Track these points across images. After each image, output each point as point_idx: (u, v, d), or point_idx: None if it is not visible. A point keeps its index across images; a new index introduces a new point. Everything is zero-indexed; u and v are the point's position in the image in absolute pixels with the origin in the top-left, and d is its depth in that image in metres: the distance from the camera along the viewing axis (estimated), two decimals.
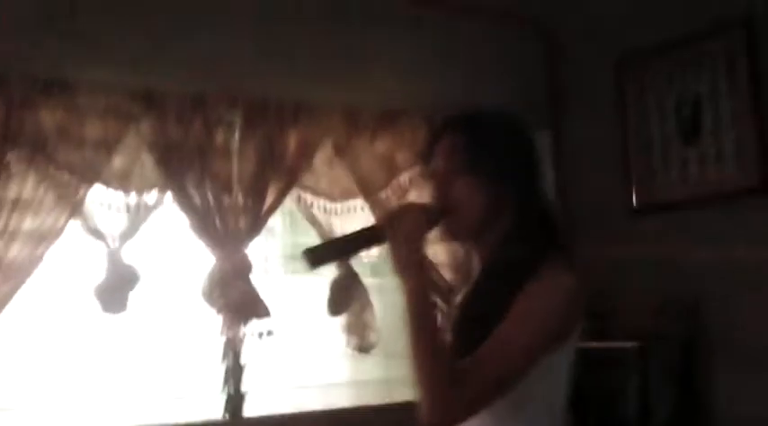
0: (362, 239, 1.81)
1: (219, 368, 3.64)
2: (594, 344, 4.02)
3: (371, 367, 3.99)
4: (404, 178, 4.04)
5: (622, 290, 4.14)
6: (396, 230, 1.74)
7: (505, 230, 1.80)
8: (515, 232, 1.79)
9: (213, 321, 3.59)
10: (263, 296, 3.60)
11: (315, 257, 1.77)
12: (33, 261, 3.17)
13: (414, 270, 1.73)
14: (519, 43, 4.54)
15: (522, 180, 1.83)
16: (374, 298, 3.92)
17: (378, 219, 1.74)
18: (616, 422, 4.00)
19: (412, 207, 1.84)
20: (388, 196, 3.99)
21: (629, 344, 3.88)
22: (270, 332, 3.61)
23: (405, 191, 4.03)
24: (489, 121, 1.88)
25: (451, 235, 1.86)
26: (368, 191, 3.94)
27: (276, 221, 3.85)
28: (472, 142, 1.81)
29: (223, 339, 3.63)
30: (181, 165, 3.50)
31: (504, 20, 4.44)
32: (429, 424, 1.66)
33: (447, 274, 4.04)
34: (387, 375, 4.05)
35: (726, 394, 3.75)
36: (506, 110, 1.93)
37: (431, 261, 3.77)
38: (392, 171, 4.02)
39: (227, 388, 3.64)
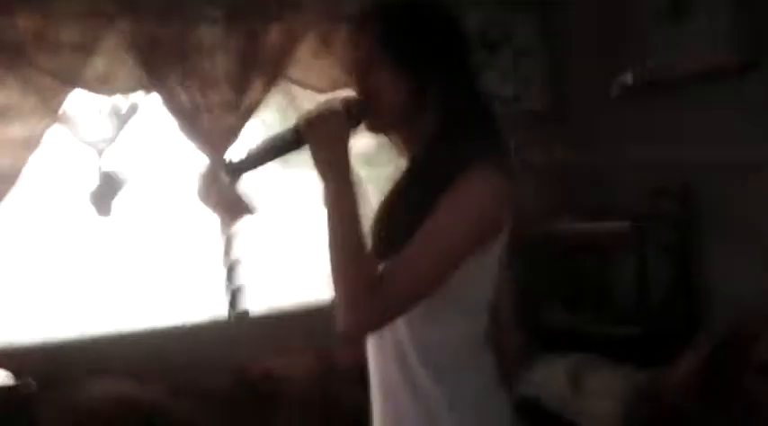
0: (283, 144, 1.70)
1: (220, 266, 3.68)
2: (590, 225, 4.05)
3: None
4: None
5: (616, 172, 4.14)
6: (316, 131, 1.65)
7: (432, 126, 1.70)
8: (441, 129, 1.69)
9: (210, 219, 3.60)
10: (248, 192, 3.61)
11: (234, 167, 1.72)
12: (19, 168, 3.16)
13: (336, 171, 1.64)
14: None
15: (445, 71, 1.72)
16: (370, 189, 3.90)
17: (298, 120, 1.65)
18: (612, 303, 4.05)
19: (332, 105, 1.71)
20: None
21: (624, 225, 3.89)
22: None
23: None
24: (410, 8, 1.76)
25: (373, 128, 1.75)
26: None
27: (270, 116, 3.81)
28: (389, 30, 1.71)
29: (222, 236, 3.66)
30: (163, 65, 3.45)
31: None
32: (343, 331, 1.59)
33: None
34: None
35: (719, 272, 3.76)
36: None
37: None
38: None
39: (229, 285, 3.68)
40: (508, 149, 1.73)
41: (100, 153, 3.34)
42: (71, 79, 3.27)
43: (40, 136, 3.23)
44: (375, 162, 4.18)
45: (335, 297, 1.60)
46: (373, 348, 1.77)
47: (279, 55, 3.72)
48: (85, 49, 3.31)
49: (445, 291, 1.63)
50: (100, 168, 3.32)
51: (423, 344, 1.68)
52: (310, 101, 3.81)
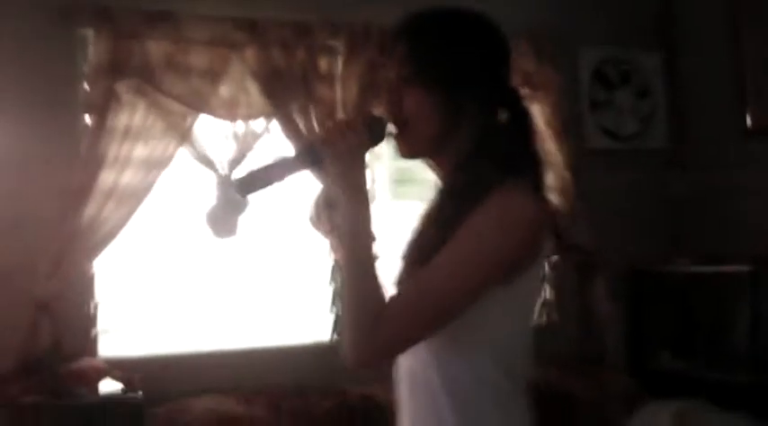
0: (298, 160, 1.61)
1: (328, 290, 3.74)
2: (706, 268, 3.96)
3: None
4: None
5: (736, 214, 4.04)
6: (333, 147, 1.55)
7: (465, 146, 1.60)
8: (475, 149, 1.59)
9: (321, 244, 3.67)
10: None
11: (249, 185, 1.61)
12: (145, 188, 3.29)
13: (355, 190, 1.55)
14: None
15: (481, 87, 1.61)
16: None
17: (316, 137, 1.53)
18: (726, 348, 3.94)
19: (353, 122, 1.61)
20: None
21: (742, 268, 3.79)
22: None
23: None
24: (436, 23, 1.66)
25: (405, 150, 1.63)
26: None
27: (382, 146, 3.85)
28: (417, 49, 1.61)
29: (331, 261, 3.72)
30: (285, 93, 3.55)
31: None
32: (350, 361, 1.50)
33: (553, 198, 3.99)
34: None
35: None
36: (467, 10, 1.67)
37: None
38: None
39: (333, 309, 3.74)
40: (543, 170, 1.63)
41: (223, 175, 3.44)
42: (198, 104, 3.40)
43: (167, 157, 3.35)
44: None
45: (345, 318, 1.52)
46: (402, 377, 1.65)
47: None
48: (212, 76, 3.44)
49: (470, 322, 1.51)
50: (222, 190, 3.42)
51: (449, 378, 1.56)
52: None
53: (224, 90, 3.49)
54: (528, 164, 1.61)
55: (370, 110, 3.56)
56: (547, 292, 4.13)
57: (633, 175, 4.22)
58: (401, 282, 1.61)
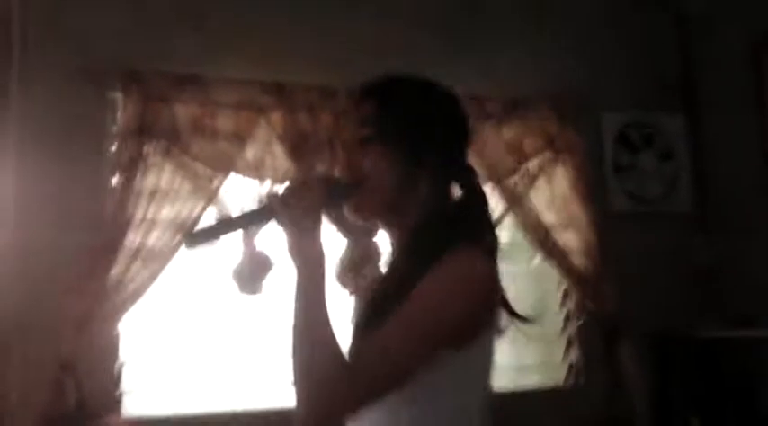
0: (252, 217, 1.60)
1: None
2: (736, 333, 3.91)
3: (502, 352, 3.95)
4: (532, 164, 4.02)
5: (763, 276, 4.00)
6: (289, 208, 1.54)
7: (421, 212, 1.61)
8: (431, 213, 1.61)
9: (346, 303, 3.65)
10: None
11: (198, 239, 1.61)
12: (171, 249, 3.32)
13: (307, 253, 1.54)
14: (650, 26, 4.45)
15: (441, 155, 1.63)
16: (504, 284, 3.89)
17: (271, 195, 1.51)
18: (755, 413, 3.86)
19: (311, 182, 1.59)
20: (517, 182, 3.97)
21: None
22: None
23: (533, 178, 4.01)
24: (406, 89, 1.68)
25: (360, 211, 1.63)
26: (496, 178, 3.93)
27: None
28: (384, 111, 1.62)
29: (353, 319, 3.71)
30: (311, 156, 3.59)
31: (634, 2, 4.38)
32: (311, 421, 1.49)
33: (579, 260, 3.99)
34: (518, 360, 4.04)
35: None
36: (429, 79, 1.70)
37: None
38: (520, 157, 4.00)
39: None
40: (497, 238, 1.65)
41: (250, 235, 3.46)
42: (224, 166, 3.44)
43: (193, 218, 3.38)
44: (510, 257, 4.19)
45: (299, 388, 1.49)
46: None
47: None
48: (239, 139, 3.49)
49: (423, 386, 1.50)
50: (249, 248, 3.44)
51: None
52: None
53: (250, 152, 3.53)
54: (482, 232, 1.63)
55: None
56: (573, 355, 4.10)
57: (658, 238, 4.20)
58: (356, 345, 1.59)
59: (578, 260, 4.01)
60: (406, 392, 1.50)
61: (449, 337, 1.50)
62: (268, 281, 3.46)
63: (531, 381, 4.06)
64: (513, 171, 3.99)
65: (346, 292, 3.61)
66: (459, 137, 1.69)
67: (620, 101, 4.30)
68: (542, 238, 3.99)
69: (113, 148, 3.38)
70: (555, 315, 4.15)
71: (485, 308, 1.56)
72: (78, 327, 3.16)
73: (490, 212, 1.68)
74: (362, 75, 1.74)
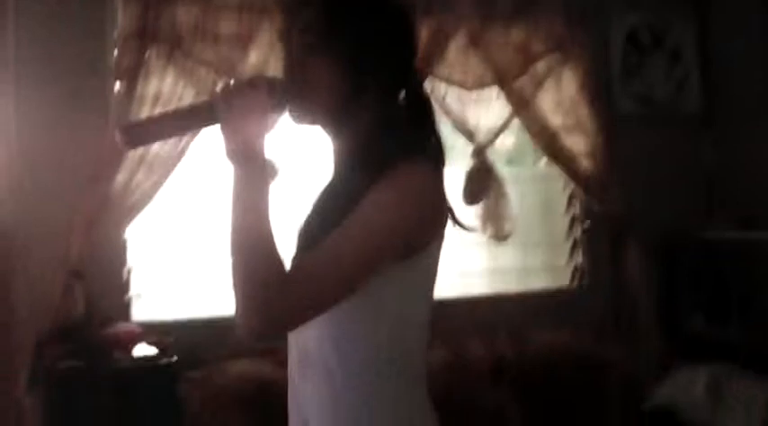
0: (191, 117, 1.54)
1: None
2: (740, 234, 3.92)
3: (508, 255, 4.00)
4: (541, 66, 3.96)
5: None
6: (232, 108, 1.48)
7: (366, 122, 1.59)
8: (376, 125, 1.58)
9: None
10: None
11: (135, 135, 1.53)
12: (176, 156, 3.29)
13: (247, 154, 1.49)
14: None
15: (390, 67, 1.59)
16: (510, 188, 3.90)
17: (214, 94, 1.51)
18: (759, 314, 3.90)
19: (256, 82, 1.53)
20: (525, 84, 3.92)
21: None
22: None
23: (541, 79, 3.95)
24: None
25: (300, 117, 1.59)
26: (503, 80, 3.88)
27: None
28: (328, 17, 1.57)
29: None
30: None
31: None
32: (245, 334, 1.43)
33: (585, 163, 3.97)
34: (523, 263, 4.07)
35: None
36: None
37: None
38: (528, 59, 3.94)
39: None
40: (444, 151, 1.62)
41: None
42: (227, 70, 3.38)
43: None
44: (516, 161, 4.18)
45: (236, 294, 1.44)
46: (293, 354, 1.64)
47: (428, 52, 3.75)
48: (242, 42, 3.42)
49: (367, 298, 1.49)
50: None
51: (344, 354, 1.55)
52: (456, 99, 3.83)
53: (254, 56, 3.47)
54: (430, 144, 1.60)
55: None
56: (579, 258, 4.12)
57: (665, 140, 4.17)
58: (301, 255, 1.58)
59: (585, 163, 3.99)
60: (347, 305, 1.48)
61: (396, 248, 1.49)
62: (273, 188, 3.44)
63: (537, 284, 4.08)
64: (521, 73, 3.92)
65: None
66: (404, 43, 1.64)
67: (629, 1, 4.20)
68: (549, 141, 3.95)
69: (114, 53, 3.31)
70: (561, 218, 4.15)
71: (431, 219, 1.54)
72: (85, 234, 3.16)
73: (436, 120, 1.64)
74: None
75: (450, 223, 1.61)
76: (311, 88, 1.55)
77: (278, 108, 1.54)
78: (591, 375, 3.63)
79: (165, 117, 1.58)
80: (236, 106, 1.49)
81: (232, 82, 1.54)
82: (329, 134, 1.64)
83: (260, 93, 1.50)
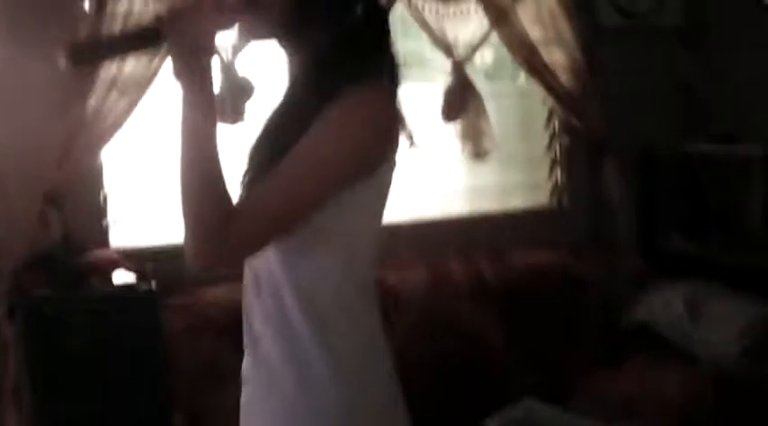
0: (138, 38, 1.49)
1: None
2: (719, 148, 3.91)
3: (487, 173, 3.96)
4: None
5: (752, 95, 3.96)
6: (178, 29, 1.44)
7: (320, 41, 1.54)
8: (331, 45, 1.53)
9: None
10: None
11: (80, 55, 1.49)
12: (148, 76, 3.19)
13: (194, 77, 1.46)
14: None
15: None
16: (489, 104, 3.85)
17: (158, 15, 1.49)
18: (739, 231, 3.93)
19: (201, 3, 1.48)
20: None
21: (756, 148, 3.75)
22: None
23: None
24: None
25: (250, 32, 1.56)
26: None
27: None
28: None
29: None
30: None
31: None
32: (194, 265, 1.45)
33: (565, 78, 3.91)
34: (503, 181, 4.04)
35: None
36: None
37: None
38: None
39: None
40: (399, 70, 1.59)
41: (227, 61, 3.33)
42: None
43: None
44: (495, 76, 4.12)
45: (185, 225, 1.46)
46: (247, 278, 1.64)
47: None
48: None
49: (318, 224, 1.49)
50: (227, 75, 3.32)
51: (297, 282, 1.54)
52: (434, 12, 3.74)
53: None
54: (384, 63, 1.57)
55: None
56: (558, 175, 4.10)
57: (646, 54, 4.12)
58: (252, 180, 1.56)
59: (564, 77, 3.92)
60: (299, 232, 1.49)
61: (346, 175, 1.48)
62: (249, 107, 3.36)
63: (516, 202, 4.06)
64: None
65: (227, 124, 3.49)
66: None
67: None
68: (528, 56, 3.87)
69: None
70: (540, 135, 4.11)
71: (383, 143, 1.53)
72: (60, 159, 3.09)
73: (391, 34, 1.61)
74: None
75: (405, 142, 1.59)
76: (260, 4, 1.51)
77: (224, 28, 1.50)
78: (570, 292, 3.66)
79: (111, 37, 1.59)
80: (181, 28, 1.45)
81: (178, 4, 1.51)
82: (284, 50, 1.61)
83: (204, 14, 1.46)
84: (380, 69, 1.56)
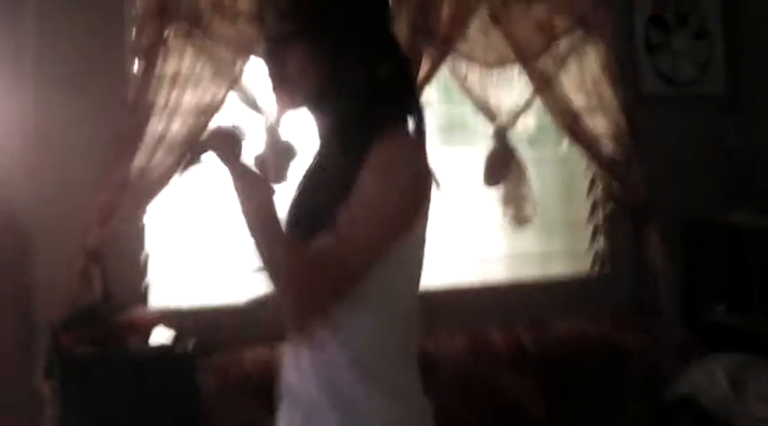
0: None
1: None
2: (764, 219, 3.86)
3: (528, 239, 3.94)
4: (563, 44, 3.87)
5: None
6: (217, 151, 1.65)
7: (348, 101, 1.61)
8: (357, 99, 1.60)
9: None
10: None
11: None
12: (195, 135, 3.21)
13: (244, 181, 1.62)
14: None
15: (364, 42, 1.61)
16: (531, 170, 3.84)
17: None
18: None
19: (226, 131, 1.69)
20: (547, 62, 3.84)
21: None
22: None
23: (564, 58, 3.86)
24: None
25: (285, 104, 1.68)
26: (525, 58, 3.79)
27: (431, 92, 3.76)
28: (304, 3, 1.60)
29: None
30: None
31: None
32: (299, 318, 1.56)
33: (608, 145, 3.89)
34: (544, 248, 4.01)
35: None
36: None
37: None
38: (550, 37, 3.85)
39: None
40: (425, 118, 1.64)
41: (272, 121, 3.35)
42: (246, 49, 3.30)
43: (216, 103, 3.26)
44: (537, 142, 4.11)
45: (276, 286, 1.53)
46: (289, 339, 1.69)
47: (450, 29, 3.66)
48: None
49: (372, 277, 1.54)
50: (272, 135, 3.34)
51: (343, 333, 1.58)
52: (477, 78, 3.75)
53: None
54: (411, 114, 1.62)
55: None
56: (600, 243, 4.06)
57: (689, 121, 4.10)
58: (300, 233, 1.60)
59: (607, 144, 3.91)
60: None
61: (403, 220, 1.54)
62: (293, 170, 3.37)
63: (557, 269, 4.02)
64: (543, 51, 3.84)
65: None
66: (379, 13, 1.67)
67: None
68: (571, 122, 3.87)
69: (133, 32, 3.23)
70: (582, 202, 4.08)
71: (422, 188, 1.58)
72: (103, 218, 3.10)
73: (416, 87, 1.72)
74: None
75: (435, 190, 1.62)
76: (292, 74, 1.59)
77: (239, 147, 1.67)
78: (611, 363, 3.59)
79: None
80: (217, 150, 1.64)
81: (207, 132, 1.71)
82: (312, 113, 1.68)
83: (232, 140, 1.64)
84: (407, 119, 1.62)
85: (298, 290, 1.50)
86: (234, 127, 1.69)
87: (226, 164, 1.63)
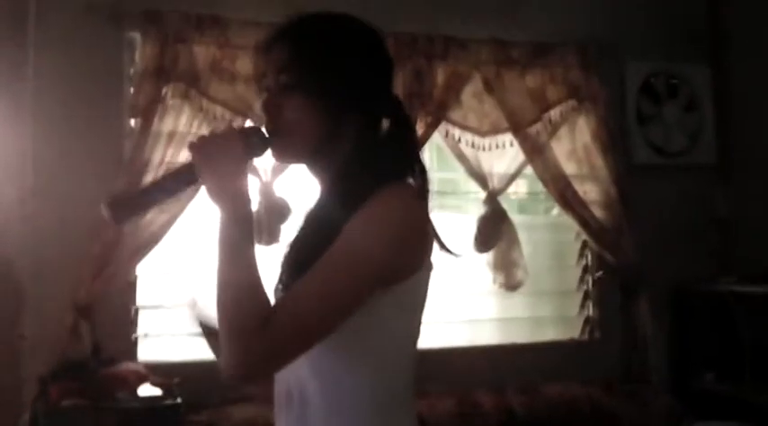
0: (174, 179, 1.53)
1: None
2: (754, 288, 3.87)
3: (518, 304, 3.96)
4: (555, 112, 3.94)
5: None
6: (208, 160, 1.47)
7: (345, 155, 1.56)
8: (355, 158, 1.55)
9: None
10: None
11: (121, 209, 1.51)
12: (189, 194, 3.24)
13: (226, 198, 1.46)
14: None
15: (364, 98, 1.57)
16: (522, 236, 3.87)
17: (190, 142, 1.52)
18: None
19: (228, 134, 1.55)
20: (539, 131, 3.90)
21: None
22: None
23: (555, 127, 3.94)
24: (321, 28, 1.59)
25: (281, 156, 1.59)
26: (517, 126, 3.86)
27: (424, 157, 3.81)
28: (300, 55, 1.54)
29: None
30: None
31: None
32: (230, 374, 1.41)
33: (598, 212, 3.94)
34: (534, 313, 4.02)
35: None
36: (352, 17, 1.61)
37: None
38: (542, 105, 3.93)
39: None
40: (426, 176, 1.58)
41: (266, 182, 3.40)
42: (243, 109, 3.38)
43: None
44: (528, 208, 4.15)
45: (224, 338, 1.41)
46: (278, 392, 1.60)
47: (443, 97, 3.74)
48: (258, 81, 3.40)
49: (350, 330, 1.45)
50: (266, 197, 3.38)
51: (329, 390, 1.52)
52: (470, 144, 3.81)
53: None
54: (410, 170, 1.57)
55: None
56: (590, 309, 4.07)
57: (679, 191, 4.15)
58: (282, 289, 1.56)
59: (598, 212, 3.96)
60: (331, 339, 1.44)
61: (380, 277, 1.45)
62: (285, 229, 3.41)
63: (547, 335, 4.03)
64: (535, 119, 3.91)
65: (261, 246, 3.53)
66: (381, 71, 1.61)
67: (645, 50, 4.19)
68: (562, 189, 3.92)
69: (131, 90, 3.31)
70: (572, 268, 4.11)
71: (415, 245, 1.50)
72: (95, 272, 3.13)
73: (418, 145, 1.63)
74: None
75: (437, 249, 1.57)
76: (291, 128, 1.54)
77: (254, 154, 1.54)
78: None
79: (149, 186, 1.59)
80: (210, 158, 1.47)
81: (205, 137, 1.53)
82: (311, 168, 1.63)
83: (234, 144, 1.49)
84: (406, 175, 1.56)
85: (236, 344, 1.40)
86: None
87: (219, 190, 1.49)
